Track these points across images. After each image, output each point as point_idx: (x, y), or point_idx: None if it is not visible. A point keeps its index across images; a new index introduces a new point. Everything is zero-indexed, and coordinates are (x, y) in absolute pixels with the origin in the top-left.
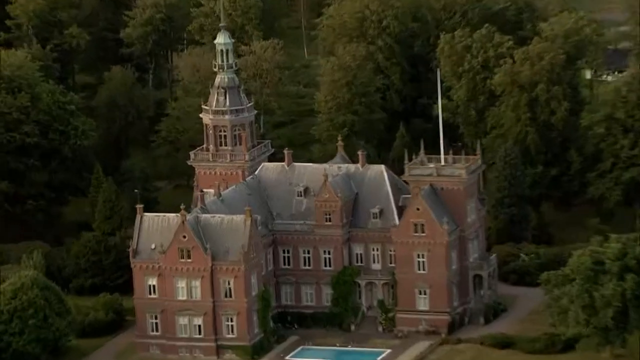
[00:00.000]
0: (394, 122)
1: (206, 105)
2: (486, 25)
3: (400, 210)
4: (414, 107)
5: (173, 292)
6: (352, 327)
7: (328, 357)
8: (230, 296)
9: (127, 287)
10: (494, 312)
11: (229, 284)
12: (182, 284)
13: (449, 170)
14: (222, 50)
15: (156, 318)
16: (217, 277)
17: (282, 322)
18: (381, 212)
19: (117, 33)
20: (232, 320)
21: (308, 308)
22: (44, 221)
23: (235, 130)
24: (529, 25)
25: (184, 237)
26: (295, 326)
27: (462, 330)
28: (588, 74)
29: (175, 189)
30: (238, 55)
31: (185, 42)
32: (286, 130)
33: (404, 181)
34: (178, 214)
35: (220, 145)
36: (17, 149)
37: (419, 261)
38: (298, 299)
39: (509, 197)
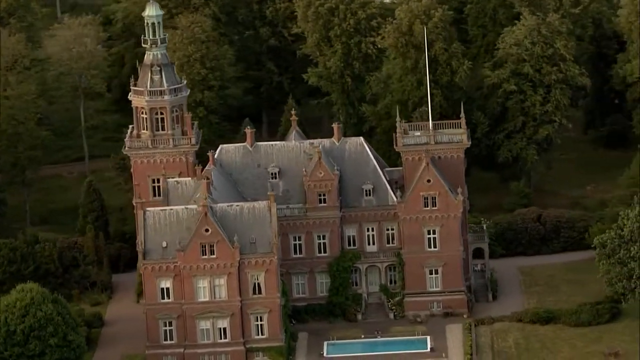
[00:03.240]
0: None
1: (137, 86)
2: None
3: (391, 185)
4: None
5: (193, 294)
6: (359, 317)
7: (369, 350)
8: (260, 293)
9: None
10: (494, 286)
11: (257, 279)
12: (203, 283)
13: (447, 137)
14: (152, 24)
15: (170, 325)
16: (244, 272)
17: None
18: (374, 188)
19: None
20: (261, 320)
21: (300, 300)
22: None
23: (174, 111)
24: None
25: (207, 230)
26: (294, 321)
27: (475, 309)
28: None
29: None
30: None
31: None
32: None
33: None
34: (186, 206)
35: (157, 129)
36: None
37: (429, 237)
38: (289, 291)
39: None
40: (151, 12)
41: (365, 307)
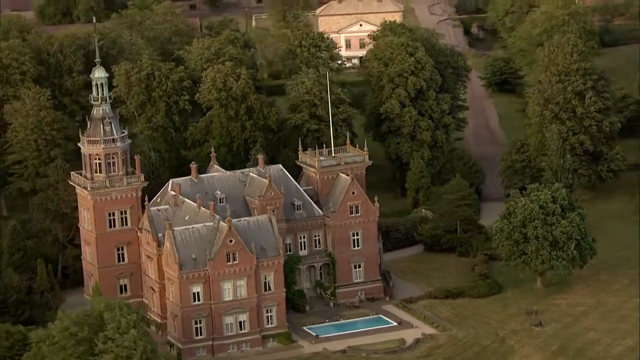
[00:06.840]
0: None
1: (90, 137)
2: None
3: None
4: None
5: (220, 295)
6: (307, 308)
7: (349, 329)
8: (270, 289)
9: (30, 322)
10: (389, 276)
11: (266, 278)
12: (228, 285)
13: (351, 158)
14: (100, 84)
15: (200, 322)
16: (258, 273)
17: None
18: (303, 204)
19: None
20: (271, 311)
21: None
22: None
23: (122, 156)
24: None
25: (231, 241)
26: None
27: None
28: None
29: None
30: None
31: None
32: None
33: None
34: (204, 224)
35: (109, 172)
36: None
37: (354, 239)
38: None
39: None
40: (100, 74)
41: (309, 299)
